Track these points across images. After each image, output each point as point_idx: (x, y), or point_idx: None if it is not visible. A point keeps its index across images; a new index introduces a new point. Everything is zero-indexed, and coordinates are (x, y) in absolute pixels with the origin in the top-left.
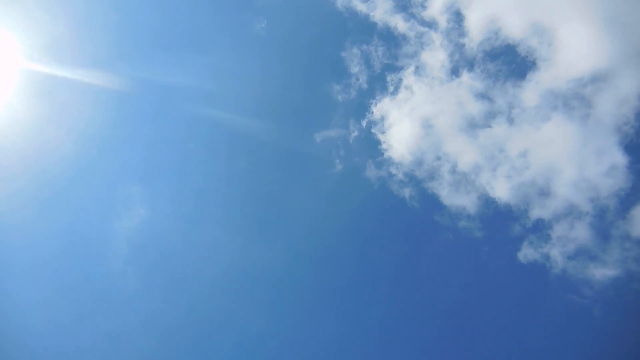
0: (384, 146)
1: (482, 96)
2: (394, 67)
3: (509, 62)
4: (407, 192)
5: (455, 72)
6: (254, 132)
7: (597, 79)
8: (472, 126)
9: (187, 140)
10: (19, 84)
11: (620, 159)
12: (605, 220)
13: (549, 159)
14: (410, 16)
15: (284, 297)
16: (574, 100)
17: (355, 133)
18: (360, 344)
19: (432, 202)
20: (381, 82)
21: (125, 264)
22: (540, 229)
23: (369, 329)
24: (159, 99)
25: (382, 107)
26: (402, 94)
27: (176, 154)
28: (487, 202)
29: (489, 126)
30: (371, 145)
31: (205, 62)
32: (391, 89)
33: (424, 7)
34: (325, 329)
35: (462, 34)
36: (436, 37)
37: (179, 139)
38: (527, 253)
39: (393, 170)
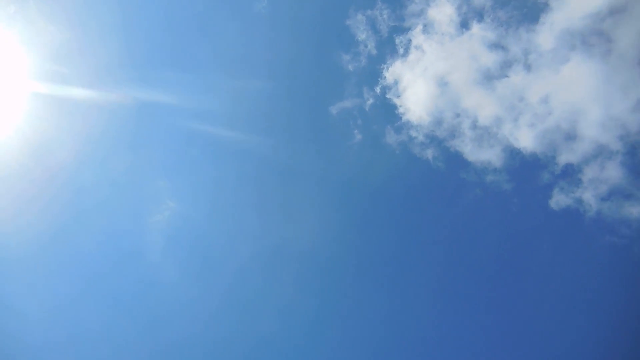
0: (400, 110)
1: (496, 46)
2: (401, 29)
3: (520, 6)
4: (429, 154)
5: (464, 25)
6: (269, 114)
7: (615, 11)
8: (489, 78)
9: (207, 120)
10: (46, 99)
11: None
12: (637, 156)
13: (572, 102)
14: None
15: (320, 272)
16: (592, 37)
17: (371, 100)
18: (398, 304)
19: (456, 160)
20: (390, 45)
21: (162, 256)
22: (570, 174)
23: (407, 289)
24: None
25: (394, 70)
26: (413, 55)
27: (198, 136)
28: (513, 154)
29: (506, 76)
30: (388, 111)
31: (212, 48)
32: (401, 51)
33: None
34: (372, 291)
35: None
36: None
37: (199, 118)
38: (558, 200)
39: (413, 133)
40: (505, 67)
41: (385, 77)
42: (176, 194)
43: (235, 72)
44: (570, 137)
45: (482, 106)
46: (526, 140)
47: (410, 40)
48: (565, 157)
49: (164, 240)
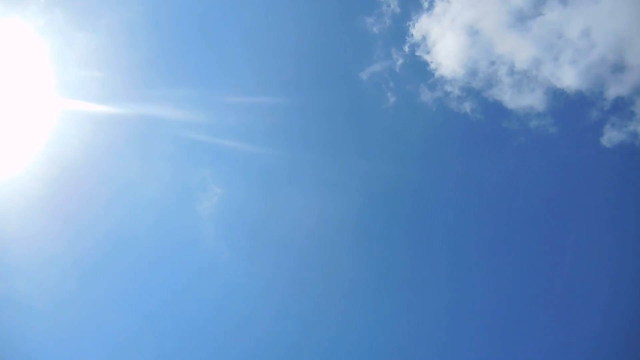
0: (432, 66)
1: None
2: None
3: None
4: (467, 107)
5: None
6: (300, 89)
7: None
8: (522, 19)
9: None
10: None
11: None
12: None
13: (616, 30)
14: None
15: (371, 239)
16: None
17: (400, 61)
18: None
19: (496, 110)
20: (413, 1)
21: (215, 241)
22: (621, 108)
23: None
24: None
25: (421, 26)
26: (439, 7)
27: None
28: (556, 95)
29: (541, 14)
30: (419, 69)
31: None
32: (426, 5)
33: None
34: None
35: None
36: None
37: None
38: (610, 136)
39: (448, 88)
40: (538, 5)
41: (412, 34)
42: (221, 179)
43: (261, 46)
44: (618, 68)
45: (518, 50)
46: (569, 78)
47: None
48: (613, 91)
49: (217, 226)
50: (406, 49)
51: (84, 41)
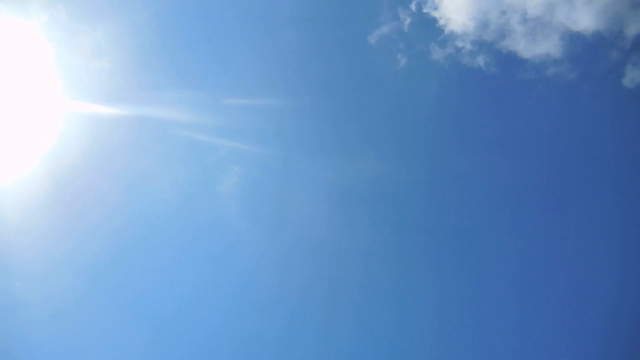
0: (441, 22)
1: None
2: None
3: None
4: (481, 61)
5: None
6: (309, 63)
7: None
8: None
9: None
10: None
11: None
12: None
13: None
14: None
15: (391, 204)
16: None
17: (408, 20)
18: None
19: (510, 61)
20: None
21: (238, 217)
22: None
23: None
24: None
25: None
26: None
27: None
28: (573, 39)
29: None
30: (428, 27)
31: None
32: None
33: None
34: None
35: None
36: None
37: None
38: (633, 76)
39: (459, 44)
40: None
41: None
42: (240, 157)
43: (265, 22)
44: (637, 3)
45: None
46: (586, 19)
47: None
48: (634, 28)
49: (239, 204)
50: (413, 7)
51: (90, 36)
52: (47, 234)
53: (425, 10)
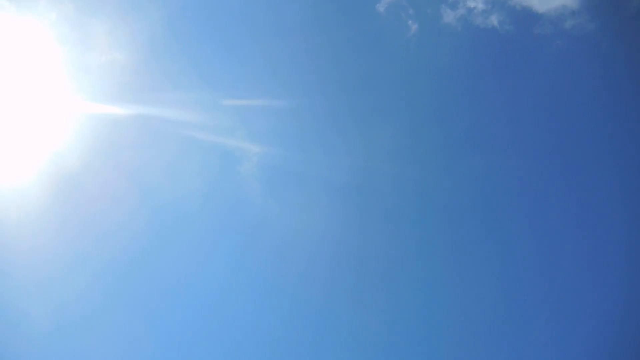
0: None
1: None
2: None
3: None
4: (495, 20)
5: None
6: (317, 32)
7: None
8: None
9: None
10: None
11: None
12: None
13: None
14: None
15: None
16: None
17: None
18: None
19: (525, 17)
20: None
21: (263, 210)
22: None
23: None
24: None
25: None
26: None
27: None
28: None
29: None
30: None
31: None
32: None
33: None
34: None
35: None
36: None
37: None
38: None
39: (471, 4)
40: None
41: None
42: (258, 137)
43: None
44: None
45: None
46: None
47: None
48: None
49: (259, 184)
50: None
51: (99, 35)
52: (55, 234)
53: None
